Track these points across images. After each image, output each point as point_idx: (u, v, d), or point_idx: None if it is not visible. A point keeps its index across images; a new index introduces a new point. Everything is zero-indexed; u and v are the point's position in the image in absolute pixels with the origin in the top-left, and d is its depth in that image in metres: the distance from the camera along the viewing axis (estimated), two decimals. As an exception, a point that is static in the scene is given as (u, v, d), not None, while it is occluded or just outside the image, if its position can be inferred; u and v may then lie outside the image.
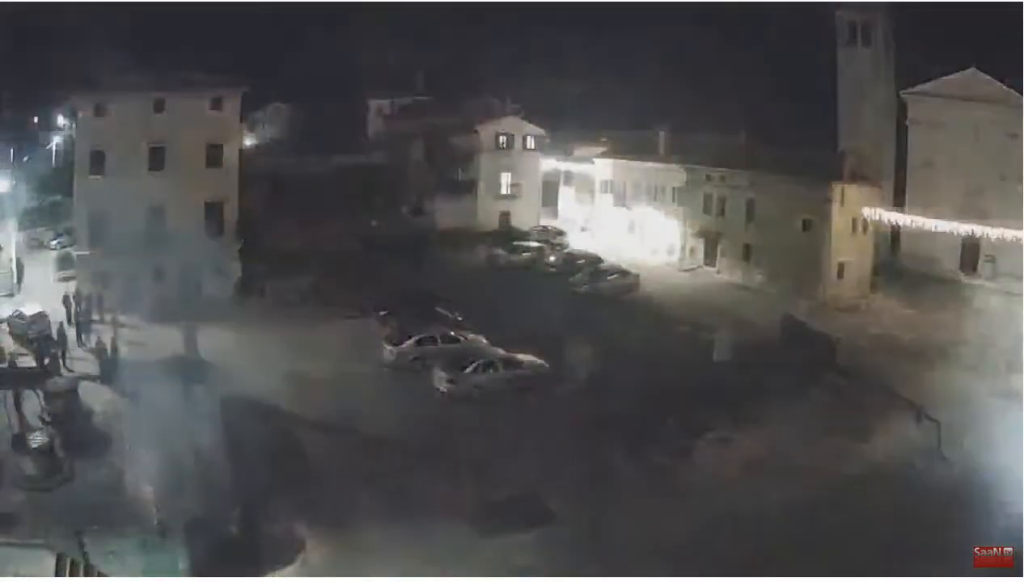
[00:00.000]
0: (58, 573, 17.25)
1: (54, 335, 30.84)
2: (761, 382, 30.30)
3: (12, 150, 44.23)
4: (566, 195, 61.10)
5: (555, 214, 60.40)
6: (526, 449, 24.79)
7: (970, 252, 44.79)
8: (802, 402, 28.99)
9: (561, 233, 55.08)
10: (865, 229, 44.11)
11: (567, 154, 59.98)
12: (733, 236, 47.33)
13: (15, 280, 38.58)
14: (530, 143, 57.73)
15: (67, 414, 24.73)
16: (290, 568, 19.11)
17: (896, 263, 47.43)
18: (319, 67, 65.14)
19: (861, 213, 43.53)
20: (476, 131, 56.37)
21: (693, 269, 49.04)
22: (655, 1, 56.52)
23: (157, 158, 37.77)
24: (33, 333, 31.21)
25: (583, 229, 57.33)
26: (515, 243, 51.35)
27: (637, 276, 45.44)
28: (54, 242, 45.00)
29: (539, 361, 30.98)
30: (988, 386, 30.90)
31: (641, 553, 20.11)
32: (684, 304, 42.05)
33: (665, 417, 26.64)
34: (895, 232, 47.21)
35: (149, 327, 33.77)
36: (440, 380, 29.42)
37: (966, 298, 41.68)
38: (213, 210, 39.22)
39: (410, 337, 32.18)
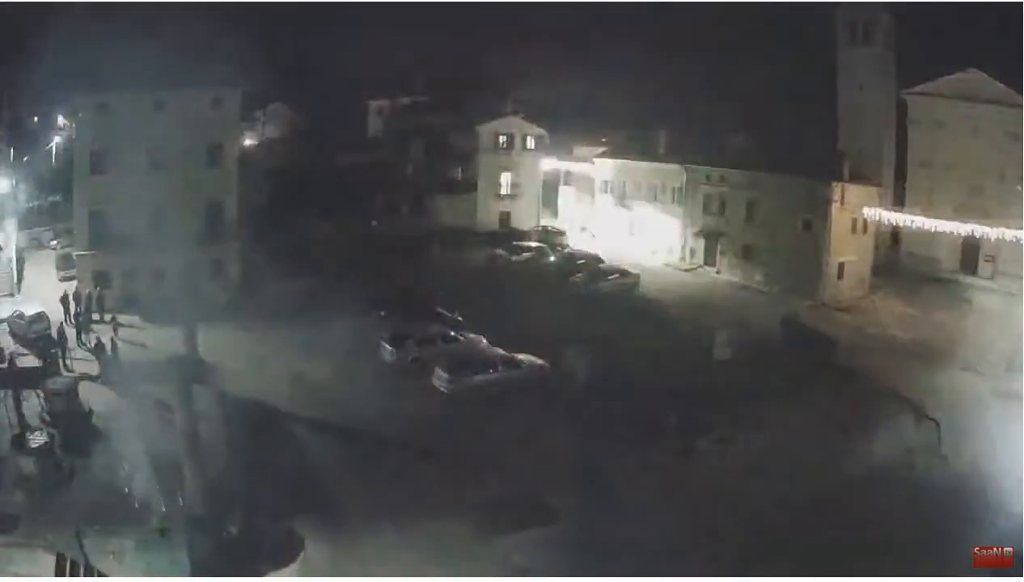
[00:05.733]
0: (58, 573, 17.30)
1: (54, 335, 30.86)
2: (761, 382, 30.35)
3: (12, 150, 44.12)
4: (566, 195, 61.13)
5: (555, 214, 60.43)
6: (526, 449, 24.80)
7: (970, 252, 44.78)
8: (802, 402, 28.99)
9: (561, 233, 55.06)
10: (865, 229, 44.14)
11: (567, 154, 60.00)
12: (733, 236, 47.37)
13: (15, 280, 38.52)
14: (530, 143, 57.72)
15: (67, 414, 24.69)
16: (290, 568, 19.09)
17: (896, 263, 47.43)
18: (319, 67, 65.08)
19: (861, 213, 43.57)
20: (476, 131, 56.36)
21: (693, 269, 49.05)
22: (656, 0, 56.53)
23: (157, 158, 37.77)
24: (33, 333, 31.25)
25: (583, 229, 57.34)
26: (515, 243, 51.34)
27: (637, 276, 45.45)
28: (54, 242, 44.95)
29: (539, 361, 30.98)
30: (988, 386, 30.95)
31: (641, 553, 20.09)
32: (684, 304, 42.11)
33: (665, 417, 26.64)
34: (895, 232, 47.21)
35: (149, 327, 33.77)
36: (440, 380, 29.38)
37: (966, 298, 41.76)
38: (213, 210, 39.22)
39: (410, 337, 32.19)
